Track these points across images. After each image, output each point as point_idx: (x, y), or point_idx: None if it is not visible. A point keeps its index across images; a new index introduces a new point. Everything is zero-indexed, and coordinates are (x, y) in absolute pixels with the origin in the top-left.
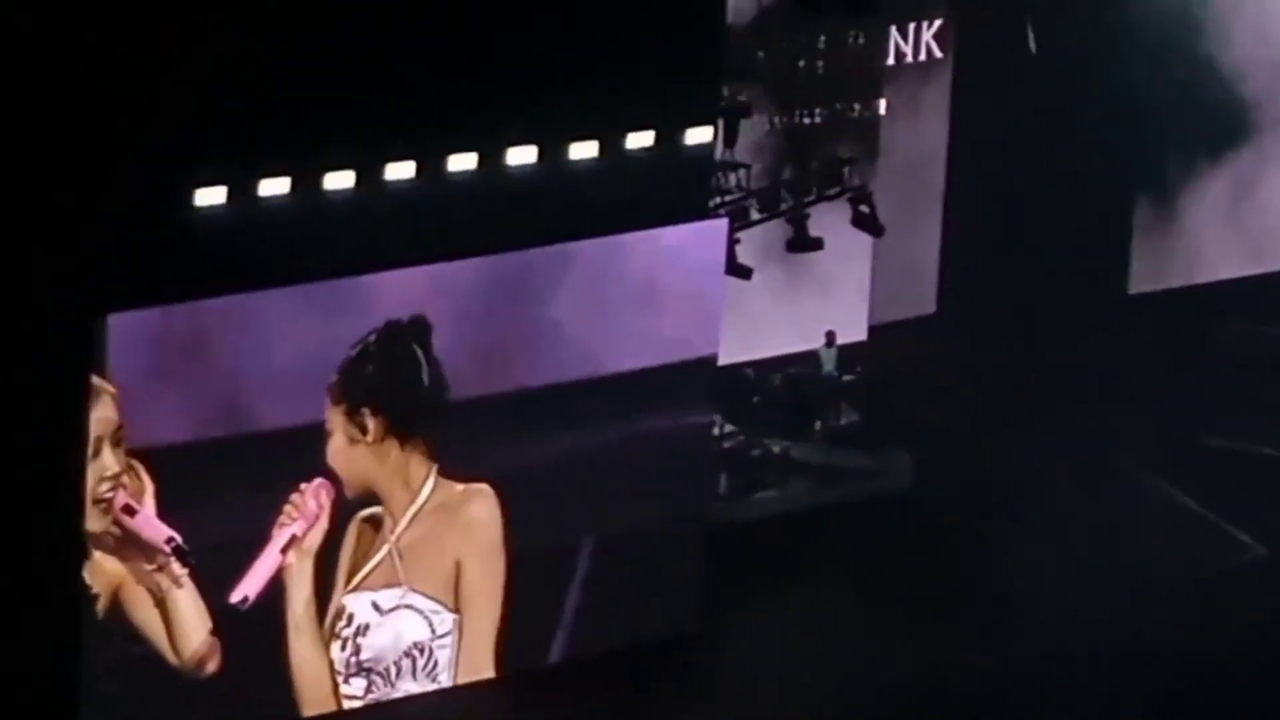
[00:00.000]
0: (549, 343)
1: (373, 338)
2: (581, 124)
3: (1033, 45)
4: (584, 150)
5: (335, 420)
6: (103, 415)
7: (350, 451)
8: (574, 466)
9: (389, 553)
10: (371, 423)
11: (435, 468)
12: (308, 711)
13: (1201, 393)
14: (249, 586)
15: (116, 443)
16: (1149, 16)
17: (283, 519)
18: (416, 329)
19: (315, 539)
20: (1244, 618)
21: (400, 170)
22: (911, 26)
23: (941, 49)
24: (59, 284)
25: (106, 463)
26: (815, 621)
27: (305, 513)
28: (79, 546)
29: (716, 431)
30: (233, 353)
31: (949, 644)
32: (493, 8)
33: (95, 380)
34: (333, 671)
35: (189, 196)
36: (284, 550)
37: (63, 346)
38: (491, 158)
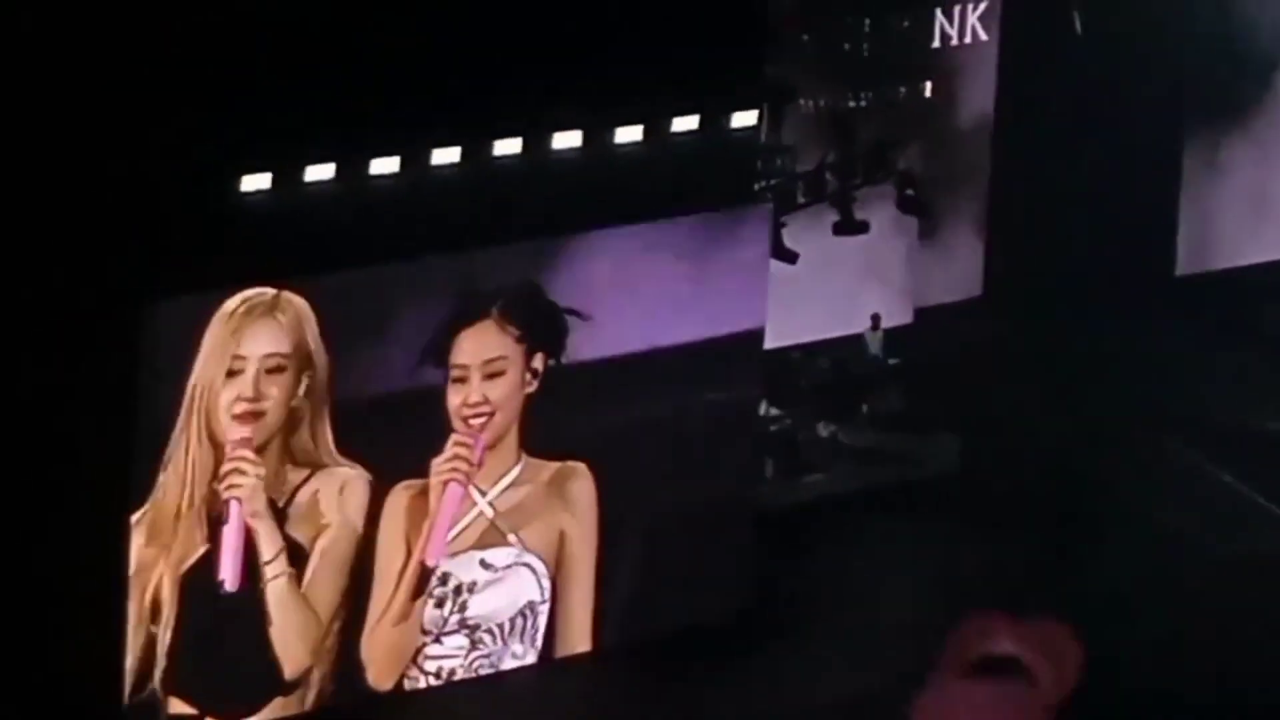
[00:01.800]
0: (597, 323)
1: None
2: (626, 108)
3: (1079, 27)
4: (628, 134)
5: (515, 359)
6: (263, 349)
7: (519, 397)
8: (624, 444)
9: (480, 515)
10: (543, 368)
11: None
12: (380, 682)
13: (1249, 375)
14: (439, 550)
15: (270, 370)
16: None
17: (452, 474)
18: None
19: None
20: None
21: (445, 155)
22: (957, 9)
23: (987, 31)
24: (104, 272)
25: (241, 387)
26: (863, 604)
27: (472, 467)
28: (124, 541)
29: (762, 414)
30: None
31: None
32: None
33: (286, 297)
34: (418, 632)
35: (234, 183)
36: (460, 504)
37: (109, 334)
38: (536, 142)
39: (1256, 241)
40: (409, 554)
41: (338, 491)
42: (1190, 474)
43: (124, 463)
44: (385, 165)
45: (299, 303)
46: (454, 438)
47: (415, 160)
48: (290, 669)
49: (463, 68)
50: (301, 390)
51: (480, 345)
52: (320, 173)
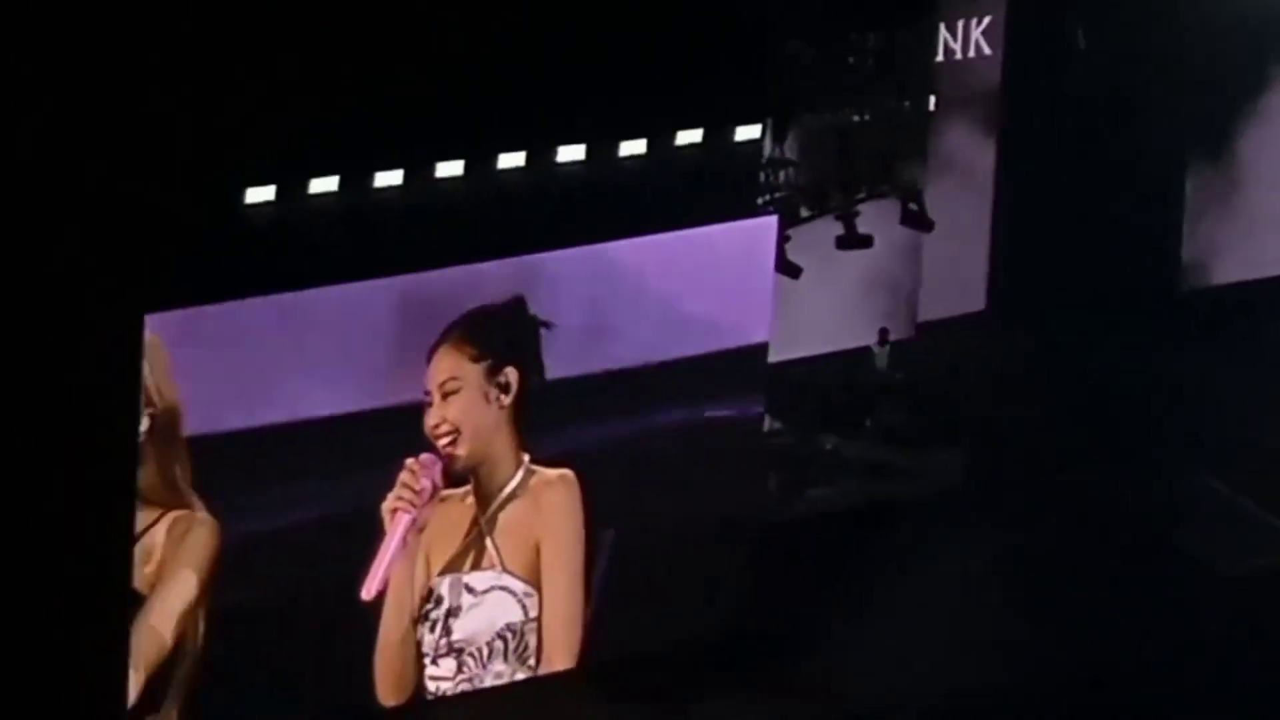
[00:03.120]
0: (598, 335)
1: (491, 304)
2: (630, 122)
3: (1082, 41)
4: (632, 148)
5: (471, 377)
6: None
7: (485, 411)
8: (626, 456)
9: (478, 534)
10: (516, 382)
11: (526, 456)
12: (389, 699)
13: (1256, 390)
14: (378, 582)
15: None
16: (1201, 10)
17: (397, 504)
18: (520, 305)
19: (426, 517)
20: None
21: (449, 169)
22: (961, 24)
23: (991, 46)
24: (108, 282)
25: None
26: (867, 619)
27: (422, 495)
28: (127, 551)
29: (766, 428)
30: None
31: (1003, 642)
32: (541, 7)
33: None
34: (419, 654)
35: (239, 195)
36: (405, 537)
37: (111, 344)
38: (540, 156)
39: (1263, 256)
40: (413, 577)
41: (183, 535)
42: (1192, 487)
43: (126, 464)
44: (389, 179)
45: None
46: (407, 463)
47: (419, 174)
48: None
49: (468, 82)
50: (143, 429)
51: (439, 368)
52: (324, 185)
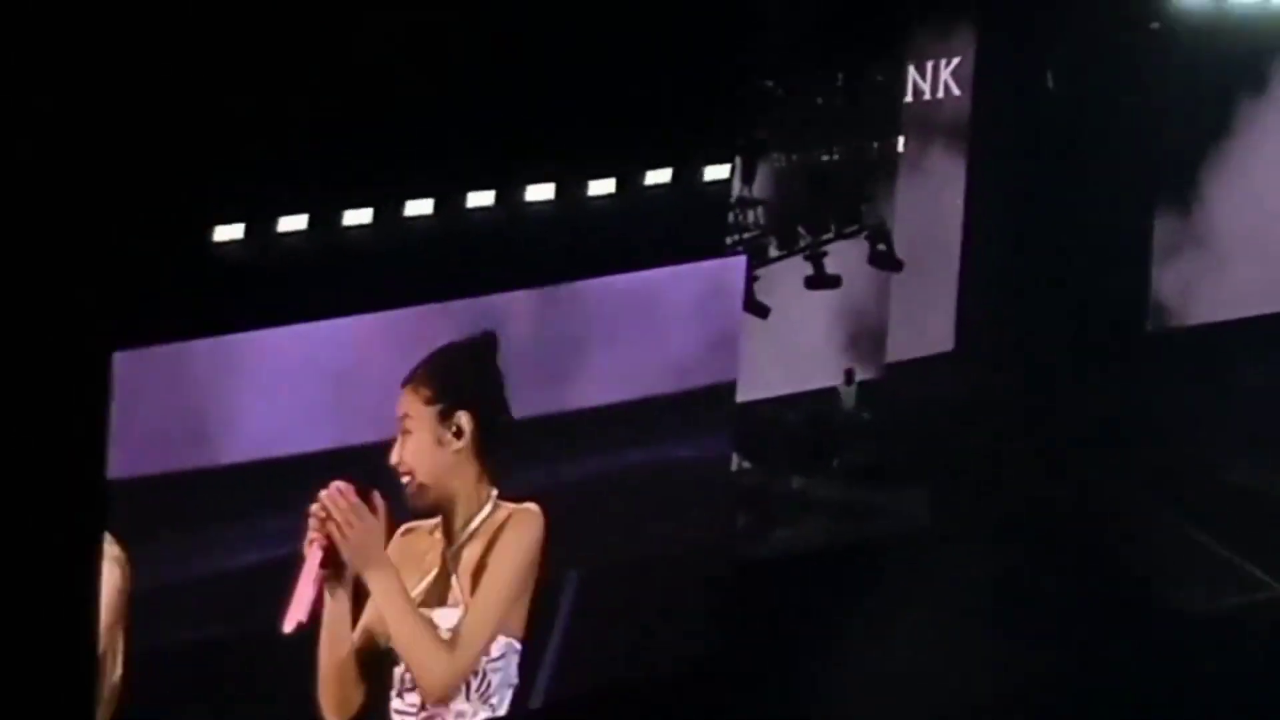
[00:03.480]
0: (566, 374)
1: (460, 340)
2: (599, 161)
3: (1051, 82)
4: (601, 187)
5: (423, 420)
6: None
7: (437, 454)
8: (593, 494)
9: (445, 570)
10: (468, 427)
11: (495, 490)
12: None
13: (1224, 430)
14: (299, 612)
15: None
16: (1171, 54)
17: (311, 535)
18: (489, 344)
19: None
20: (1260, 657)
21: (418, 207)
22: (930, 64)
23: (960, 87)
24: (74, 319)
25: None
26: (836, 659)
27: (325, 519)
28: (94, 592)
29: (734, 468)
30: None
31: (969, 682)
32: (509, 45)
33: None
34: (360, 676)
35: (207, 233)
36: (323, 564)
37: (77, 382)
38: (510, 195)
39: (1232, 296)
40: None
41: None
42: (1163, 528)
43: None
44: (358, 217)
45: None
46: (320, 495)
47: (388, 212)
48: None
49: (437, 121)
50: None
51: (399, 406)
52: (293, 223)
